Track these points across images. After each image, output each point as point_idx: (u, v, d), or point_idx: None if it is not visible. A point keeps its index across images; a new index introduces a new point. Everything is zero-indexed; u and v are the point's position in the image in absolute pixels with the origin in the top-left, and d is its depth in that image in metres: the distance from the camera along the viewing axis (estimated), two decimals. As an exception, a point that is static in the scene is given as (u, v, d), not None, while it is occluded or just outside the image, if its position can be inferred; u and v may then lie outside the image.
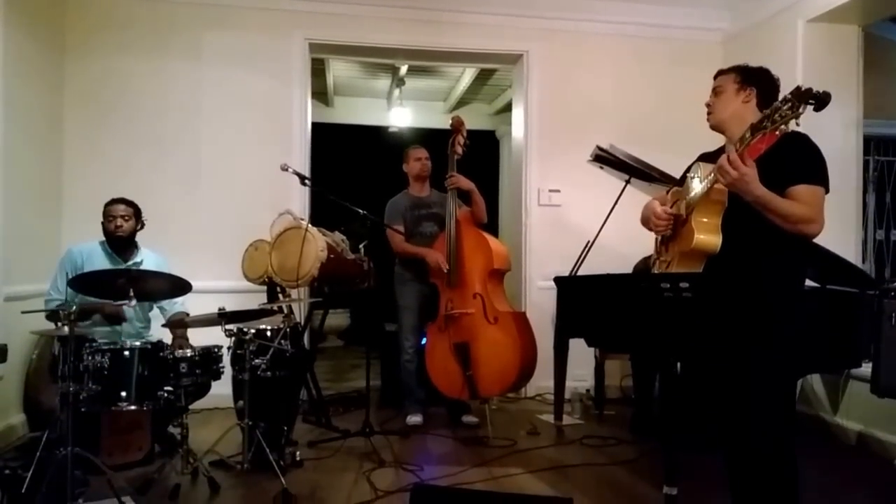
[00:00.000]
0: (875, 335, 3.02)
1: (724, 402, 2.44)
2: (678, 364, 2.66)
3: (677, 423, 2.27)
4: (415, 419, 4.59)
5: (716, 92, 2.59)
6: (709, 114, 2.62)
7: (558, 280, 4.52)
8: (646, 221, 2.89)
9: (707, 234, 2.40)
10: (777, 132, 2.20)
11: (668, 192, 2.96)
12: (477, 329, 4.30)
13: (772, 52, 4.99)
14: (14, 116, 4.18)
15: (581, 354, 4.79)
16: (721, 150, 2.67)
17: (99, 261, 3.84)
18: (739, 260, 2.39)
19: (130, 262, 3.90)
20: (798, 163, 2.36)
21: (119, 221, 3.89)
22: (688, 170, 2.83)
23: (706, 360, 2.50)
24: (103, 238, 3.92)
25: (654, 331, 2.42)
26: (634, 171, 4.48)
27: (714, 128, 2.63)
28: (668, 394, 2.29)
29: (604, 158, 4.56)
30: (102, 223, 3.91)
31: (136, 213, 3.98)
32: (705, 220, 2.42)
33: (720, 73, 2.64)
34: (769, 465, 2.32)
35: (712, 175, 2.37)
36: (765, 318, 2.32)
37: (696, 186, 2.49)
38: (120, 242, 3.91)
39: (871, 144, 5.36)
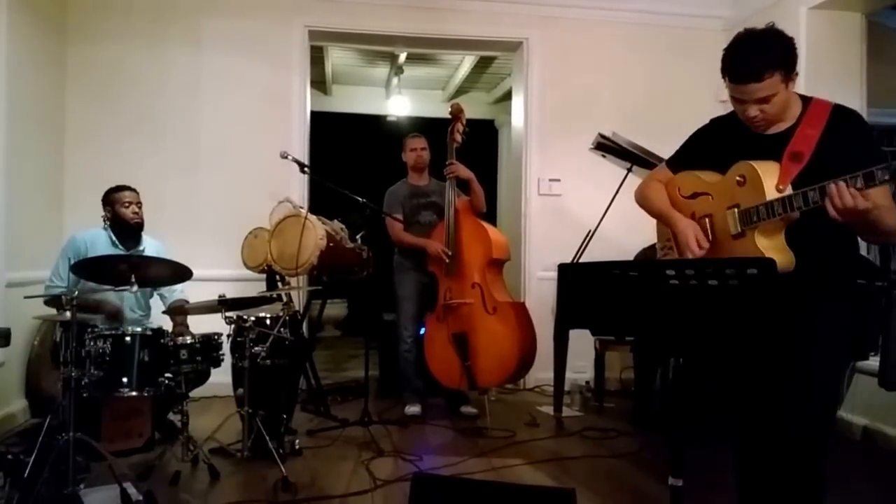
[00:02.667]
0: (883, 327, 3.00)
1: (749, 397, 2.27)
2: (683, 355, 2.60)
3: (681, 414, 2.22)
4: (413, 409, 4.58)
5: (765, 100, 2.10)
6: (762, 120, 2.16)
7: (562, 267, 4.49)
8: (649, 208, 2.55)
9: (782, 255, 2.06)
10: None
11: (670, 165, 2.56)
12: (475, 319, 4.29)
13: (774, 40, 4.97)
14: (17, 103, 4.17)
15: (581, 346, 4.81)
16: (733, 115, 2.30)
17: (103, 248, 3.79)
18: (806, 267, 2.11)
19: (134, 250, 3.86)
20: (869, 155, 1.96)
21: (135, 208, 3.87)
22: (697, 139, 2.49)
23: (725, 353, 2.34)
24: (106, 225, 3.88)
25: (664, 320, 2.30)
26: (637, 159, 4.45)
27: (766, 130, 2.23)
28: (674, 384, 2.19)
29: (606, 146, 4.54)
30: (111, 210, 3.85)
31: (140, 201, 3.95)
32: (773, 240, 2.11)
33: (751, 78, 2.08)
34: (799, 472, 2.15)
35: (793, 199, 2.01)
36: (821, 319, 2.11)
37: (749, 195, 2.13)
38: (136, 230, 3.88)
39: (875, 134, 5.32)
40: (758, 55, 2.08)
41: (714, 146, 2.35)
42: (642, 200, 2.61)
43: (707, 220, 2.31)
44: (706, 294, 1.89)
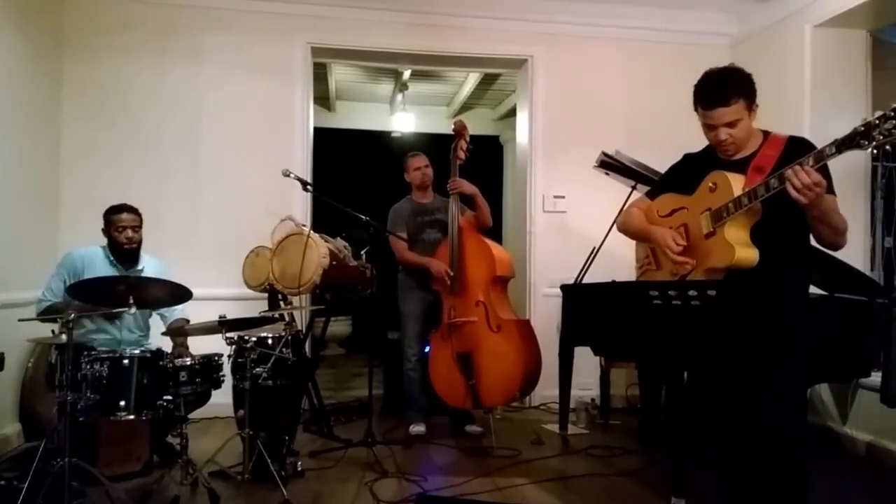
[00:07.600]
0: (885, 344, 2.99)
1: (731, 411, 2.40)
2: (685, 373, 2.62)
3: (685, 432, 2.24)
4: (418, 429, 4.53)
5: (732, 125, 2.41)
6: (732, 143, 2.44)
7: (564, 288, 4.46)
8: (629, 230, 2.82)
9: (747, 250, 2.35)
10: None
11: (649, 196, 2.84)
12: (480, 337, 4.24)
13: (779, 57, 4.98)
14: (10, 120, 4.16)
15: (586, 363, 4.75)
16: (708, 151, 2.60)
17: (101, 267, 3.75)
18: (757, 270, 2.35)
19: (132, 270, 3.82)
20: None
21: (129, 233, 3.77)
22: (672, 171, 2.77)
23: (715, 369, 2.45)
24: (104, 243, 3.84)
25: (663, 339, 2.37)
26: (640, 177, 4.43)
27: (734, 154, 2.51)
28: (677, 403, 2.25)
29: (609, 164, 4.52)
30: (107, 231, 3.80)
31: (141, 221, 3.87)
32: (740, 234, 2.37)
33: (719, 103, 2.38)
34: (780, 475, 2.28)
35: (756, 189, 2.27)
36: (779, 328, 2.28)
37: (720, 198, 2.39)
38: (130, 255, 3.81)
39: (880, 151, 5.29)
40: (724, 84, 2.40)
41: (687, 176, 2.61)
42: (623, 226, 2.87)
43: (683, 228, 2.57)
44: (689, 311, 2.14)
